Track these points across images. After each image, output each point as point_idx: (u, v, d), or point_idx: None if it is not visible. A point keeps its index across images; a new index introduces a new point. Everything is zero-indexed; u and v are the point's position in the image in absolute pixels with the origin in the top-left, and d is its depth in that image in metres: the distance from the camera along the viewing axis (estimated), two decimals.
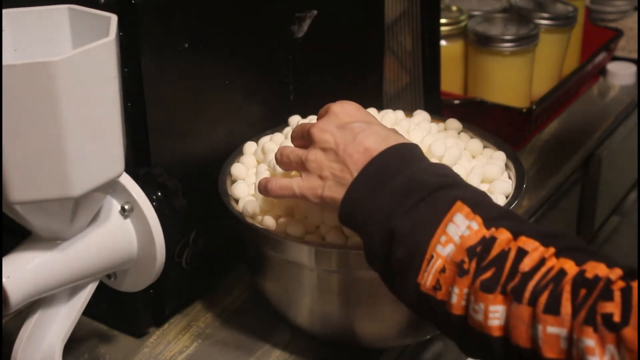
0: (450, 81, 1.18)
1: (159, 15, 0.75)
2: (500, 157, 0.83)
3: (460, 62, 1.19)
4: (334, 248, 0.73)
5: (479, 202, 0.63)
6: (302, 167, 0.70)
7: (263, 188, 0.72)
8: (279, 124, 0.87)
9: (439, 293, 0.62)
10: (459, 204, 0.62)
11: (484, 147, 0.85)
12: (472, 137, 0.86)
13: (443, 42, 1.14)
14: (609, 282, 0.56)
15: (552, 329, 0.57)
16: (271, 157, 0.81)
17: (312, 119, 0.84)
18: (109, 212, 0.70)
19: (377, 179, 0.65)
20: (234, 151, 0.85)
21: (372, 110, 0.87)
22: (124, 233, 0.71)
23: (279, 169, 0.79)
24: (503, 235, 0.60)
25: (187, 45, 0.78)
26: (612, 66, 1.31)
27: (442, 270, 0.62)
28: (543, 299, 0.57)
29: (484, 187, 0.80)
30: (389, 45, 1.05)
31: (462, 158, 0.81)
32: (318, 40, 0.90)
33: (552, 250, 0.59)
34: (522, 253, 0.59)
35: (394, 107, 0.92)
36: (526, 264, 0.59)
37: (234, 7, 0.81)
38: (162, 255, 0.72)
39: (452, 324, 0.62)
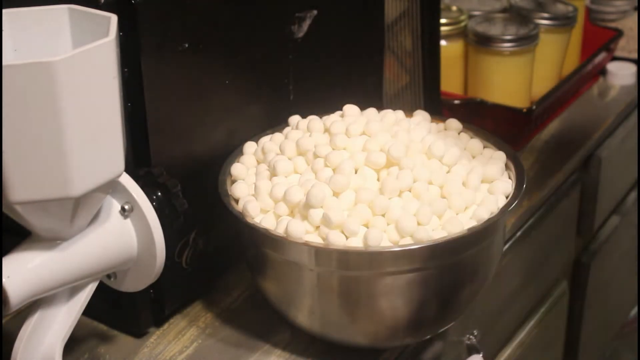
0: (450, 81, 1.18)
1: (159, 15, 0.75)
2: (500, 157, 0.83)
3: (460, 62, 1.19)
4: (334, 248, 0.73)
5: None
6: None
7: None
8: (279, 124, 0.87)
9: None
10: None
11: (484, 147, 0.85)
12: (472, 137, 0.86)
13: (443, 42, 1.14)
14: None
15: None
16: (271, 157, 0.81)
17: (312, 119, 0.84)
18: (109, 212, 0.71)
19: None
20: (234, 151, 0.85)
21: (372, 110, 0.87)
22: (124, 233, 0.71)
23: (279, 169, 0.79)
24: None
25: (187, 45, 0.78)
26: (612, 66, 1.31)
27: None
28: None
29: (483, 187, 0.80)
30: (389, 45, 1.05)
31: (462, 158, 0.81)
32: (318, 40, 0.90)
33: None
34: None
35: (394, 107, 0.92)
36: None
37: (234, 7, 0.81)
38: (162, 255, 0.72)
39: None
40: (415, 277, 0.75)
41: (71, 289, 0.71)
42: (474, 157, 0.84)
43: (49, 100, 0.59)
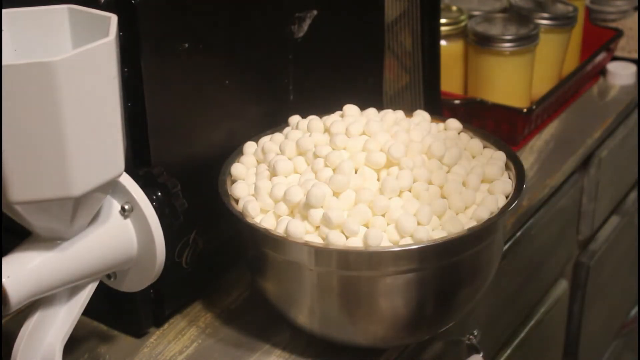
0: (450, 81, 1.18)
1: (159, 15, 0.75)
2: (500, 157, 0.83)
3: (460, 62, 1.19)
4: (334, 248, 0.73)
5: None
6: None
7: None
8: (279, 124, 0.87)
9: None
10: None
11: (484, 147, 0.85)
12: (472, 137, 0.86)
13: (443, 42, 1.14)
14: None
15: None
16: (271, 157, 0.81)
17: (312, 119, 0.84)
18: (109, 212, 0.71)
19: None
20: (234, 151, 0.85)
21: (372, 110, 0.87)
22: (124, 233, 0.71)
23: (279, 169, 0.79)
24: None
25: (187, 45, 0.78)
26: (612, 66, 1.31)
27: None
28: None
29: (483, 187, 0.80)
30: (389, 45, 1.05)
31: (462, 158, 0.81)
32: (318, 40, 0.90)
33: None
34: None
35: (394, 107, 0.92)
36: None
37: (234, 7, 0.81)
38: (162, 255, 0.72)
39: None
40: (415, 277, 0.75)
41: (71, 289, 0.71)
42: (474, 157, 0.84)
43: (49, 100, 0.59)
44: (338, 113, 0.86)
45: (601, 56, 1.28)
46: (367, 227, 0.74)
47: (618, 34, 1.31)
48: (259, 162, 0.83)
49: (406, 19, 1.05)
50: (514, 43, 1.13)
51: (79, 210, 0.65)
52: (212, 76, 0.82)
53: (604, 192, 1.26)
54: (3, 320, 0.83)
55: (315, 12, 0.89)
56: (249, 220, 0.77)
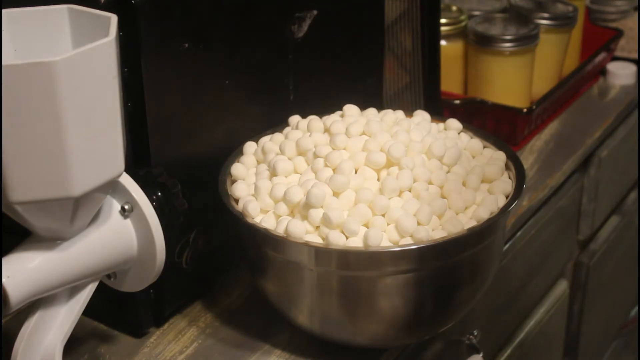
0: (450, 81, 1.18)
1: (159, 15, 0.75)
2: (500, 157, 0.83)
3: (460, 62, 1.19)
4: (334, 248, 0.73)
5: None
6: None
7: None
8: (279, 124, 0.87)
9: None
10: None
11: (484, 147, 0.85)
12: (472, 137, 0.86)
13: (443, 42, 1.14)
14: None
15: None
16: (271, 157, 0.81)
17: (312, 119, 0.84)
18: (109, 212, 0.71)
19: None
20: (234, 151, 0.85)
21: (372, 110, 0.87)
22: (124, 233, 0.71)
23: (279, 169, 0.79)
24: None
25: (187, 45, 0.78)
26: (612, 66, 1.31)
27: None
28: None
29: (483, 187, 0.80)
30: (389, 45, 1.05)
31: (462, 158, 0.81)
32: (318, 40, 0.90)
33: None
34: None
35: (394, 107, 0.92)
36: None
37: (234, 7, 0.81)
38: (162, 255, 0.72)
39: None
40: (415, 277, 0.75)
41: (71, 289, 0.71)
42: (474, 157, 0.84)
43: (49, 100, 0.59)
44: (338, 113, 0.86)
45: (601, 56, 1.28)
46: (367, 227, 0.74)
47: (618, 34, 1.31)
48: (259, 162, 0.83)
49: (406, 19, 1.05)
50: (514, 43, 1.13)
51: (79, 210, 0.65)
52: (212, 76, 0.82)
53: (604, 192, 1.26)
54: (3, 320, 0.83)
55: (315, 12, 0.89)
56: (249, 220, 0.77)
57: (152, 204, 0.71)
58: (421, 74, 1.07)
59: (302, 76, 0.90)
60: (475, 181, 0.79)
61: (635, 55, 1.34)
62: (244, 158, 0.84)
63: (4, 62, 0.58)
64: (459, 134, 0.87)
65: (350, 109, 0.86)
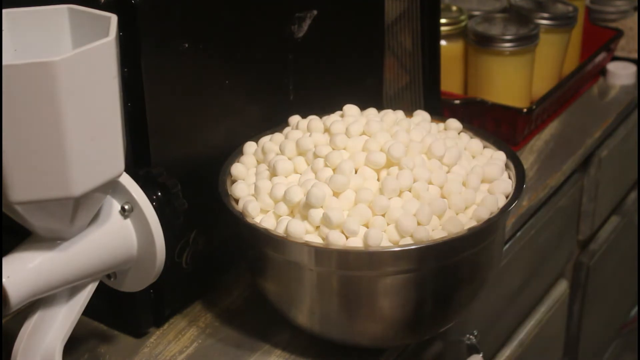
0: (450, 81, 1.18)
1: (159, 15, 0.75)
2: (500, 157, 0.83)
3: (460, 62, 1.19)
4: (334, 248, 0.73)
5: None
6: None
7: None
8: (279, 124, 0.87)
9: None
10: None
11: (484, 147, 0.85)
12: (472, 137, 0.86)
13: (443, 42, 1.14)
14: None
15: None
16: (271, 157, 0.81)
17: (312, 119, 0.84)
18: (109, 212, 0.71)
19: None
20: (234, 151, 0.85)
21: (372, 110, 0.87)
22: (124, 233, 0.71)
23: (279, 169, 0.79)
24: None
25: (187, 45, 0.78)
26: (612, 66, 1.31)
27: None
28: None
29: (483, 187, 0.80)
30: (389, 45, 1.05)
31: (462, 158, 0.81)
32: (318, 40, 0.90)
33: None
34: None
35: (394, 107, 0.92)
36: None
37: (234, 7, 0.81)
38: (162, 255, 0.72)
39: None
40: (415, 277, 0.75)
41: (71, 289, 0.71)
42: (474, 157, 0.84)
43: (49, 100, 0.59)
44: (338, 113, 0.86)
45: (601, 56, 1.28)
46: (367, 227, 0.74)
47: (618, 34, 1.31)
48: (259, 162, 0.83)
49: (406, 19, 1.05)
50: (514, 43, 1.13)
51: (79, 210, 0.65)
52: (212, 76, 0.82)
53: (604, 192, 1.26)
54: (3, 320, 0.83)
55: (315, 12, 0.89)
56: (249, 220, 0.77)
57: (152, 204, 0.71)
58: (421, 74, 1.07)
59: (302, 76, 0.90)
60: (475, 181, 0.79)
61: (635, 55, 1.34)
62: (244, 158, 0.84)
63: (4, 62, 0.58)
64: (459, 134, 0.87)
65: (350, 109, 0.86)
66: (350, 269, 0.75)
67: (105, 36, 0.62)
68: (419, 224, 0.74)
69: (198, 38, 0.78)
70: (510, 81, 1.16)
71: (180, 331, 0.85)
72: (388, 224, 0.74)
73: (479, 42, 1.14)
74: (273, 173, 0.80)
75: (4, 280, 0.64)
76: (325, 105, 0.88)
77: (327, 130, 0.82)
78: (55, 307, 0.70)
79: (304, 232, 0.74)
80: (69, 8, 0.67)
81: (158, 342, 0.83)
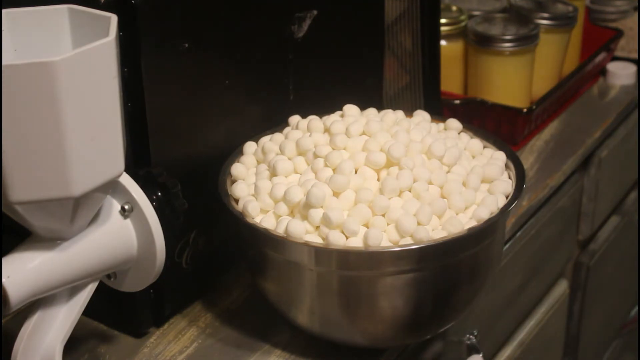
0: (450, 81, 1.18)
1: (159, 15, 0.75)
2: (500, 157, 0.83)
3: (460, 62, 1.19)
4: (334, 248, 0.73)
5: None
6: None
7: None
8: (279, 124, 0.87)
9: None
10: None
11: (484, 147, 0.85)
12: (472, 137, 0.86)
13: (443, 42, 1.14)
14: None
15: None
16: (271, 157, 0.81)
17: (312, 119, 0.84)
18: (109, 212, 0.71)
19: None
20: (234, 151, 0.85)
21: (372, 110, 0.87)
22: (124, 233, 0.71)
23: (279, 169, 0.79)
24: None
25: (187, 45, 0.78)
26: (612, 66, 1.31)
27: None
28: None
29: (483, 187, 0.80)
30: (389, 45, 1.05)
31: (462, 158, 0.81)
32: (318, 40, 0.90)
33: None
34: None
35: (394, 107, 0.92)
36: None
37: (234, 7, 0.81)
38: (162, 255, 0.72)
39: None
40: (415, 277, 0.75)
41: (71, 289, 0.71)
42: (474, 157, 0.84)
43: (49, 100, 0.59)
44: (338, 113, 0.86)
45: (601, 56, 1.28)
46: (367, 227, 0.74)
47: (618, 34, 1.31)
48: (259, 162, 0.83)
49: (406, 19, 1.05)
50: (514, 43, 1.13)
51: (79, 210, 0.65)
52: (212, 76, 0.82)
53: (604, 192, 1.26)
54: (3, 320, 0.83)
55: (315, 12, 0.89)
56: (249, 220, 0.77)
57: (152, 204, 0.71)
58: (421, 74, 1.07)
59: (302, 76, 0.90)
60: (475, 181, 0.79)
61: (635, 55, 1.34)
62: (244, 158, 0.84)
63: (4, 62, 0.58)
64: (459, 134, 0.87)
65: (350, 109, 0.86)
66: (350, 269, 0.75)
67: (105, 36, 0.62)
68: (419, 224, 0.74)
69: (198, 38, 0.78)
70: (510, 81, 1.16)
71: (180, 331, 0.85)
72: (388, 224, 0.74)
73: (479, 42, 1.14)
74: (273, 173, 0.80)
75: (4, 280, 0.64)
76: (325, 105, 0.88)
77: (327, 130, 0.82)
78: (55, 307, 0.70)
79: (304, 232, 0.74)
80: (69, 8, 0.67)
81: (158, 342, 0.83)
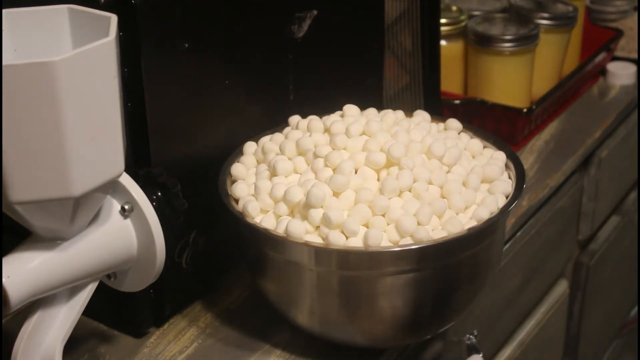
0: (450, 81, 1.18)
1: (159, 15, 0.75)
2: (500, 157, 0.83)
3: (460, 62, 1.19)
4: (334, 248, 0.73)
5: None
6: None
7: None
8: (279, 124, 0.87)
9: None
10: None
11: (484, 147, 0.85)
12: (472, 137, 0.86)
13: (443, 42, 1.14)
14: None
15: None
16: (271, 157, 0.81)
17: (312, 119, 0.84)
18: (109, 212, 0.71)
19: None
20: (234, 151, 0.85)
21: (372, 110, 0.87)
22: (124, 233, 0.71)
23: (279, 169, 0.79)
24: None
25: (187, 45, 0.78)
26: (612, 66, 1.31)
27: None
28: None
29: (483, 187, 0.80)
30: (389, 45, 1.05)
31: (462, 158, 0.81)
32: (318, 40, 0.90)
33: None
34: None
35: (394, 107, 0.92)
36: None
37: (234, 7, 0.81)
38: (162, 255, 0.72)
39: None
40: (415, 277, 0.75)
41: (71, 289, 0.71)
42: (474, 157, 0.84)
43: (49, 100, 0.59)
44: (338, 113, 0.86)
45: (601, 56, 1.28)
46: (367, 227, 0.74)
47: (618, 34, 1.31)
48: (259, 162, 0.83)
49: (406, 19, 1.05)
50: (514, 43, 1.13)
51: (79, 210, 0.65)
52: (212, 76, 0.82)
53: (604, 192, 1.26)
54: (3, 320, 0.83)
55: (315, 12, 0.89)
56: (249, 220, 0.77)
57: (152, 204, 0.71)
58: (421, 74, 1.07)
59: (302, 76, 0.90)
60: (475, 181, 0.79)
61: (635, 55, 1.34)
62: (244, 158, 0.84)
63: (4, 62, 0.58)
64: (459, 134, 0.87)
65: (350, 109, 0.86)
66: (350, 269, 0.75)
67: (105, 36, 0.62)
68: (419, 224, 0.74)
69: (198, 38, 0.78)
70: (510, 81, 1.16)
71: (180, 331, 0.85)
72: (388, 224, 0.74)
73: (479, 42, 1.14)
74: (273, 173, 0.80)
75: (4, 280, 0.64)
76: (325, 105, 0.88)
77: (327, 130, 0.82)
78: (55, 307, 0.70)
79: (304, 232, 0.74)
80: (69, 8, 0.67)
81: (158, 342, 0.83)
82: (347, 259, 0.74)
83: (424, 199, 0.75)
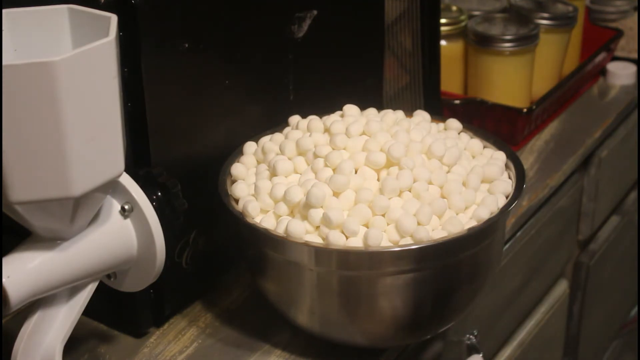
0: (450, 81, 1.18)
1: (159, 15, 0.75)
2: (500, 157, 0.83)
3: (460, 62, 1.19)
4: (334, 248, 0.73)
5: None
6: None
7: None
8: (279, 124, 0.87)
9: None
10: None
11: (484, 147, 0.85)
12: (472, 137, 0.86)
13: (443, 42, 1.14)
14: None
15: None
16: (271, 157, 0.81)
17: (312, 119, 0.84)
18: (109, 212, 0.71)
19: None
20: (234, 151, 0.85)
21: (372, 110, 0.87)
22: (124, 233, 0.71)
23: (279, 169, 0.79)
24: None
25: (187, 45, 0.78)
26: (612, 66, 1.31)
27: None
28: None
29: (483, 187, 0.80)
30: (389, 45, 1.05)
31: (462, 158, 0.81)
32: (318, 40, 0.90)
33: None
34: None
35: (394, 107, 0.92)
36: None
37: (234, 7, 0.81)
38: (162, 255, 0.72)
39: None
40: (415, 277, 0.75)
41: (71, 289, 0.71)
42: (474, 157, 0.84)
43: (49, 100, 0.59)
44: (338, 113, 0.86)
45: (601, 56, 1.28)
46: (367, 227, 0.74)
47: (618, 34, 1.31)
48: (259, 162, 0.83)
49: (406, 19, 1.05)
50: (514, 43, 1.13)
51: (79, 210, 0.65)
52: (212, 76, 0.82)
53: (604, 192, 1.27)
54: (3, 320, 0.83)
55: (315, 12, 0.89)
56: (249, 220, 0.77)
57: (152, 204, 0.71)
58: (421, 74, 1.07)
59: (302, 76, 0.90)
60: (475, 181, 0.79)
61: (635, 55, 1.34)
62: (244, 158, 0.84)
63: (4, 62, 0.58)
64: (459, 134, 0.87)
65: (350, 109, 0.86)
66: (350, 269, 0.75)
67: (105, 36, 0.62)
68: (419, 224, 0.74)
69: (198, 38, 0.78)
70: (510, 81, 1.16)
71: (180, 331, 0.85)
72: (388, 224, 0.74)
73: (479, 42, 1.14)
74: (273, 173, 0.80)
75: (4, 280, 0.64)
76: (325, 105, 0.88)
77: (327, 130, 0.82)
78: (55, 307, 0.70)
79: (304, 232, 0.74)
80: (69, 8, 0.67)
81: (158, 342, 0.83)
82: (347, 259, 0.74)
83: (424, 199, 0.75)
